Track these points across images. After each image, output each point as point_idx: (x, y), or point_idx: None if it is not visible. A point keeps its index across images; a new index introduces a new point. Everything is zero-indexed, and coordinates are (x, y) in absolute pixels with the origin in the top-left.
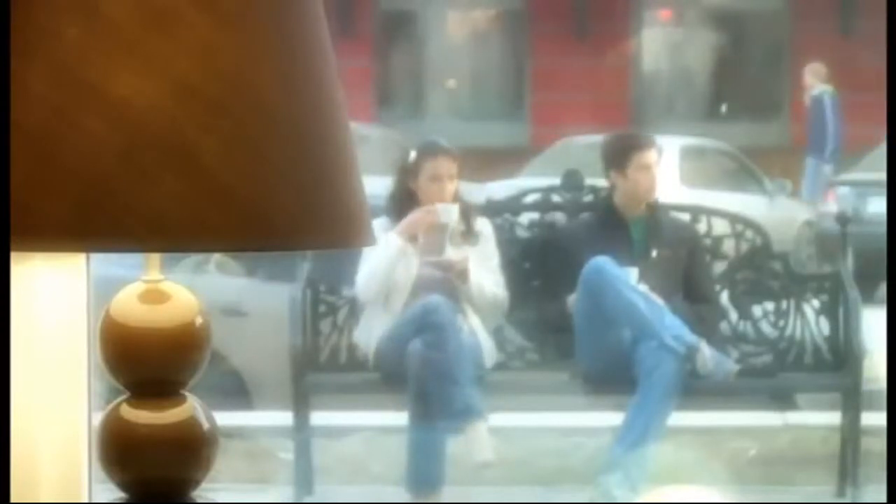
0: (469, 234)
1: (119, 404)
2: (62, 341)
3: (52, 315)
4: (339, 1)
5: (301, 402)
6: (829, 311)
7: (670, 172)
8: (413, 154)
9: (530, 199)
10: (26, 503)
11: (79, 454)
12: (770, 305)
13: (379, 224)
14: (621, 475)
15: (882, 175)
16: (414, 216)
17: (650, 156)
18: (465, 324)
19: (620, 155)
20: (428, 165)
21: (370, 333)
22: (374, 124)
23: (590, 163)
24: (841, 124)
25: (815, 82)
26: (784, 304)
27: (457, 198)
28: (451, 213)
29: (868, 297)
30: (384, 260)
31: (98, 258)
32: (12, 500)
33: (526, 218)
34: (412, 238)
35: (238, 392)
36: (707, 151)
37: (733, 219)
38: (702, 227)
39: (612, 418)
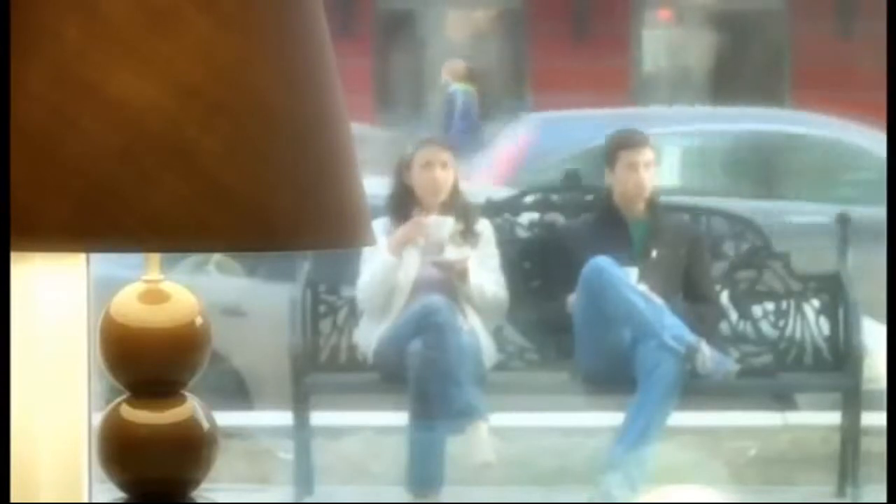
0: (469, 235)
1: (119, 404)
2: (62, 341)
3: (52, 315)
4: (339, 1)
5: (301, 402)
6: (829, 311)
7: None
8: (409, 149)
9: (530, 199)
10: (26, 503)
11: (79, 454)
12: (770, 305)
13: (379, 224)
14: (621, 475)
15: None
16: (403, 231)
17: (637, 154)
18: (465, 324)
19: (611, 153)
20: (419, 154)
21: (370, 336)
22: (374, 124)
23: (590, 163)
24: (473, 121)
25: (451, 80)
26: (784, 304)
27: (456, 193)
28: (442, 227)
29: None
30: (380, 275)
31: (98, 258)
32: (12, 500)
33: (526, 218)
34: (401, 253)
35: (238, 392)
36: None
37: (733, 219)
38: (702, 227)
39: (612, 418)
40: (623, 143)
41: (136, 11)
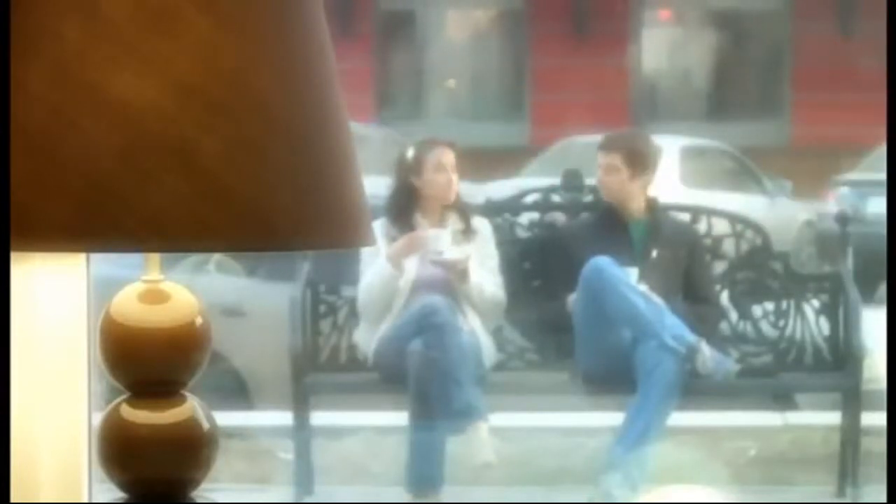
0: (468, 234)
1: (119, 404)
2: (62, 341)
3: (52, 315)
4: (339, 1)
5: (301, 402)
6: (829, 311)
7: (670, 172)
8: (411, 151)
9: (530, 199)
10: (26, 503)
11: (79, 454)
12: (770, 305)
13: (379, 225)
14: (621, 475)
15: (882, 175)
16: (403, 243)
17: (600, 156)
18: (465, 324)
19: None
20: (431, 157)
21: (369, 340)
22: (374, 124)
23: (590, 163)
24: None
25: None
26: (784, 304)
27: (457, 195)
28: (441, 240)
29: (868, 297)
30: (378, 285)
31: (98, 258)
32: (12, 500)
33: (526, 218)
34: (399, 266)
35: (238, 392)
36: (707, 151)
37: (733, 219)
38: (702, 227)
39: (612, 418)
40: (599, 144)
41: (136, 11)
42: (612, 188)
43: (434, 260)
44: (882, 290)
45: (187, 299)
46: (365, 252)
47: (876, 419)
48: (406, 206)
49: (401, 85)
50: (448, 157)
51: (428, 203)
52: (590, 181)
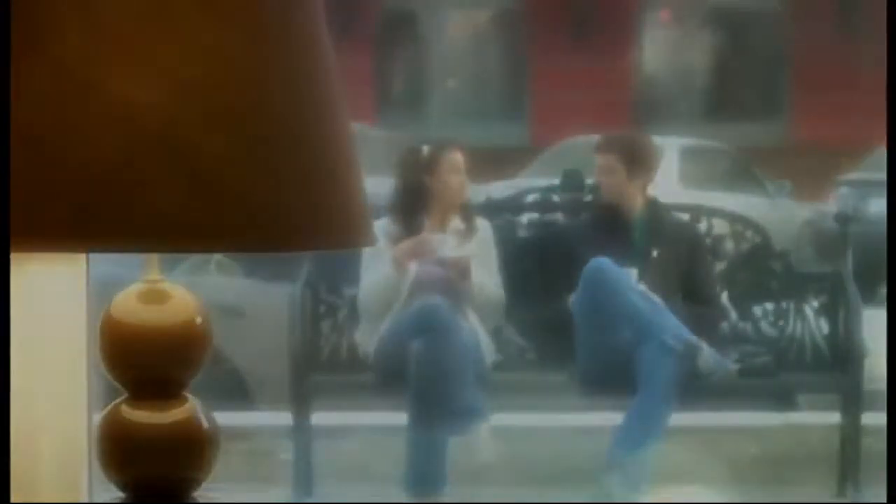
0: (469, 233)
1: (119, 404)
2: (62, 341)
3: (52, 315)
4: (339, 1)
5: (301, 402)
6: (829, 311)
7: (670, 172)
8: (425, 151)
9: (530, 199)
10: (26, 503)
11: (79, 454)
12: (770, 305)
13: (380, 225)
14: (621, 475)
15: (882, 175)
16: (410, 246)
17: (597, 157)
18: (465, 323)
19: None
20: (447, 158)
21: (370, 339)
22: (374, 124)
23: (590, 163)
24: None
25: None
26: (784, 304)
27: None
28: (446, 244)
29: (868, 298)
30: (382, 287)
31: (98, 258)
32: (12, 501)
33: (526, 218)
34: (405, 267)
35: (238, 392)
36: (707, 151)
37: (733, 219)
38: (702, 227)
39: (611, 418)
40: (595, 146)
41: (136, 11)
42: (610, 189)
43: (436, 259)
44: (882, 290)
45: (187, 299)
46: (365, 252)
47: (876, 419)
48: (414, 206)
49: (401, 85)
50: (460, 158)
51: (437, 204)
52: (590, 181)
